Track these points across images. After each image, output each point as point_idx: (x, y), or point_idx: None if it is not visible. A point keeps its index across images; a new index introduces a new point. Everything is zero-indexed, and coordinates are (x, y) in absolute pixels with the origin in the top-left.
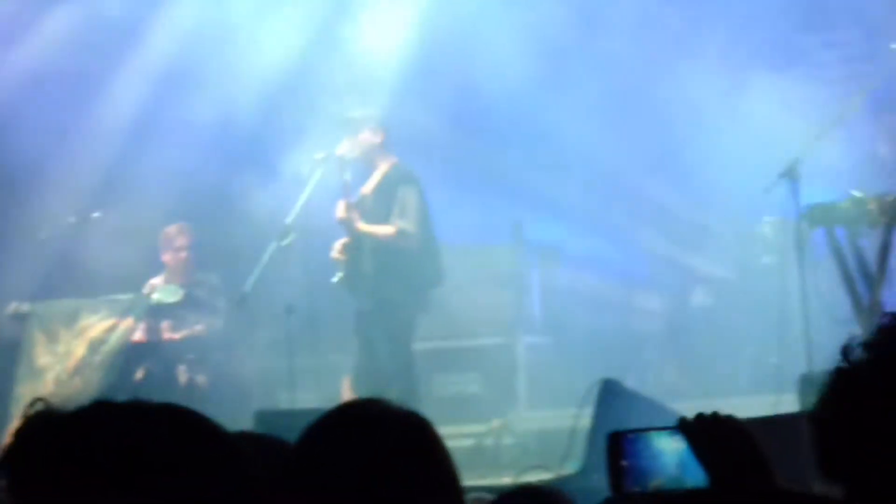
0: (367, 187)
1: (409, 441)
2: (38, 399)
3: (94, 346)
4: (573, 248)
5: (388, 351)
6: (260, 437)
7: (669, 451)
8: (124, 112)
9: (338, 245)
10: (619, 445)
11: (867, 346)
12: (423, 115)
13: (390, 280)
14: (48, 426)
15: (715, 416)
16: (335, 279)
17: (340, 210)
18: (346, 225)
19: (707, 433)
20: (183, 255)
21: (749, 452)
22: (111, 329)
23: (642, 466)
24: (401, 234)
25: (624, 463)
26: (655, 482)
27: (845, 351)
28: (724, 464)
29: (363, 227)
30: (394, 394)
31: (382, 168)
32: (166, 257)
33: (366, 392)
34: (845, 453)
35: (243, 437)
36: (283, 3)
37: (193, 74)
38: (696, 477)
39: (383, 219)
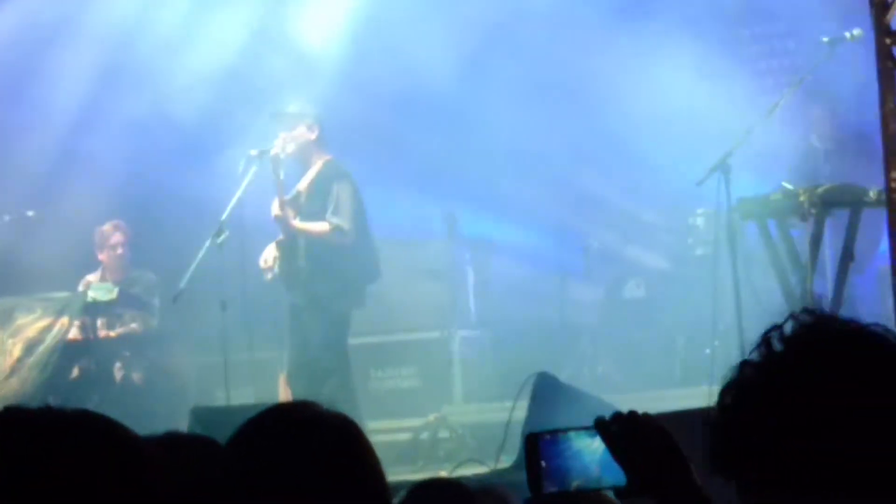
0: (302, 184)
1: (337, 444)
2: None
3: (30, 346)
4: (507, 241)
5: (323, 346)
6: (192, 439)
7: (588, 451)
8: (59, 109)
9: (267, 254)
10: (536, 447)
11: (784, 339)
12: (356, 111)
13: (325, 276)
14: None
15: (632, 415)
16: (270, 277)
17: (275, 208)
18: (281, 222)
19: (624, 432)
20: (118, 252)
21: (666, 450)
22: (47, 328)
23: (561, 467)
24: (335, 230)
25: (543, 464)
26: (575, 482)
27: (761, 345)
28: (641, 462)
29: (298, 224)
30: (329, 389)
31: (317, 165)
32: (102, 255)
33: (302, 387)
34: (752, 449)
35: (172, 438)
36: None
37: (129, 71)
38: (615, 476)
39: (318, 215)
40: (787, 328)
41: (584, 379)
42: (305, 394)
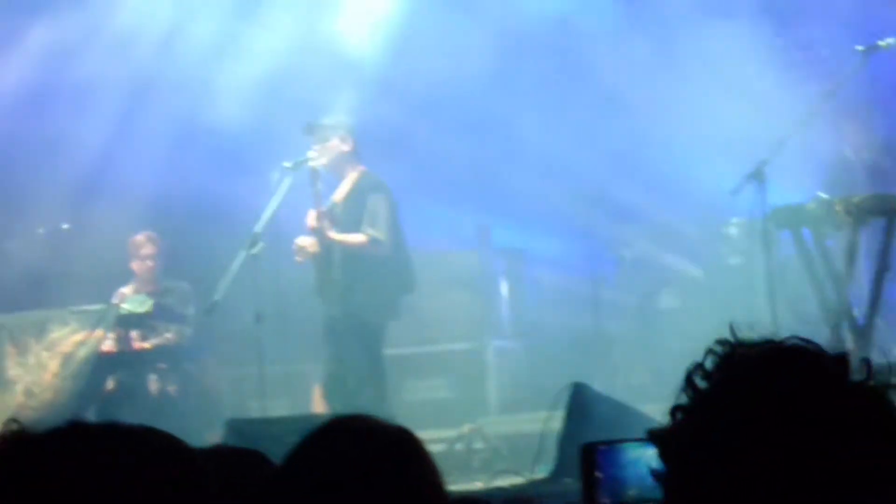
0: (338, 196)
1: (399, 455)
2: (12, 420)
3: (66, 360)
4: (540, 252)
5: (359, 358)
6: (236, 451)
7: (643, 462)
8: (94, 122)
9: (302, 240)
10: (592, 457)
11: (706, 376)
12: (389, 122)
13: (360, 287)
14: (22, 447)
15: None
16: (298, 259)
17: (311, 219)
18: (317, 233)
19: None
20: (149, 263)
21: None
22: (82, 343)
23: (616, 478)
24: (372, 241)
25: (597, 474)
26: (630, 493)
27: (686, 386)
28: None
29: (334, 235)
30: (365, 400)
31: (352, 176)
32: (134, 266)
33: (338, 399)
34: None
35: (219, 451)
36: (251, 12)
37: (163, 83)
38: None
39: (354, 227)
40: (708, 363)
41: (618, 389)
42: (342, 406)
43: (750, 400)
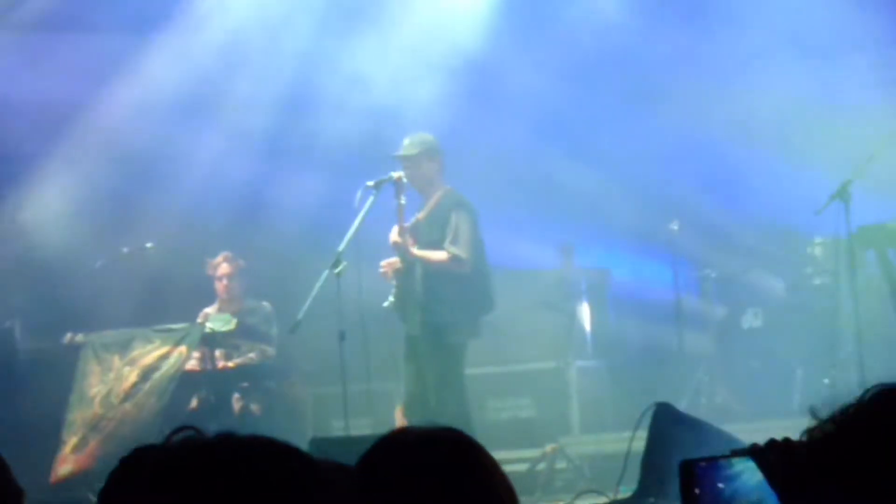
0: (422, 213)
1: (459, 459)
2: (188, 427)
3: (146, 372)
4: (623, 271)
5: (440, 377)
6: (330, 464)
7: (743, 478)
8: (176, 141)
9: (387, 264)
10: (691, 474)
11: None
12: (475, 141)
13: (442, 306)
14: (190, 455)
15: (787, 441)
16: (386, 303)
17: (394, 234)
18: (400, 249)
19: (781, 459)
20: (227, 283)
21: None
22: (164, 357)
23: (715, 495)
24: (454, 259)
25: (696, 491)
26: None
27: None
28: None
29: (416, 251)
30: (446, 420)
31: (436, 195)
32: (217, 286)
33: (418, 418)
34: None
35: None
36: (341, 32)
37: (242, 103)
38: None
39: (436, 244)
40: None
41: (701, 408)
42: (423, 425)
43: None
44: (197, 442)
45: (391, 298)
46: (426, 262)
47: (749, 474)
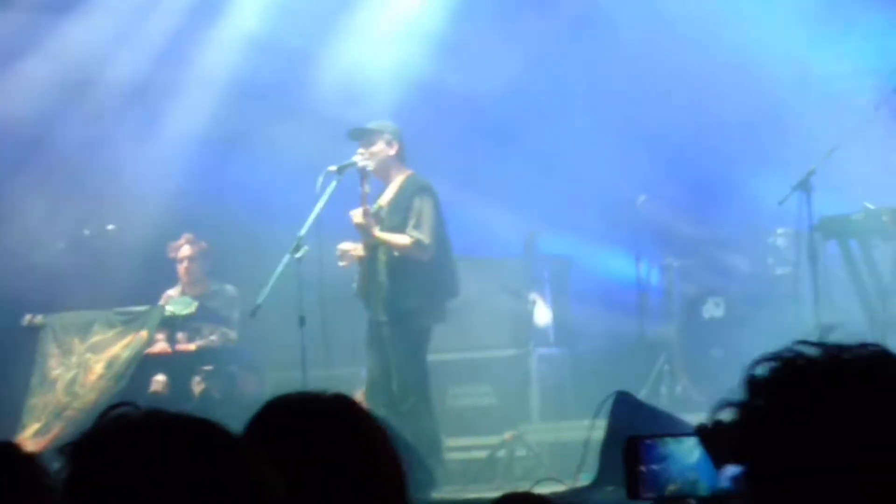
0: (384, 199)
1: (339, 422)
2: (124, 404)
3: (111, 363)
4: (585, 260)
5: (405, 362)
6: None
7: (686, 457)
8: (139, 124)
9: (345, 245)
10: (636, 451)
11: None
12: (434, 127)
13: (406, 291)
14: (122, 431)
15: (729, 423)
16: (354, 284)
17: (358, 216)
18: (363, 230)
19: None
20: (188, 265)
21: None
22: (127, 344)
23: (659, 472)
24: (416, 244)
25: (641, 468)
26: (671, 487)
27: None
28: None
29: (379, 234)
30: (409, 405)
31: (398, 180)
32: (179, 269)
33: (382, 403)
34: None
35: None
36: (294, 14)
37: (207, 86)
38: (711, 482)
39: (399, 229)
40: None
41: (662, 398)
42: (385, 410)
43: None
44: (121, 421)
45: (353, 285)
46: (389, 246)
47: (691, 452)
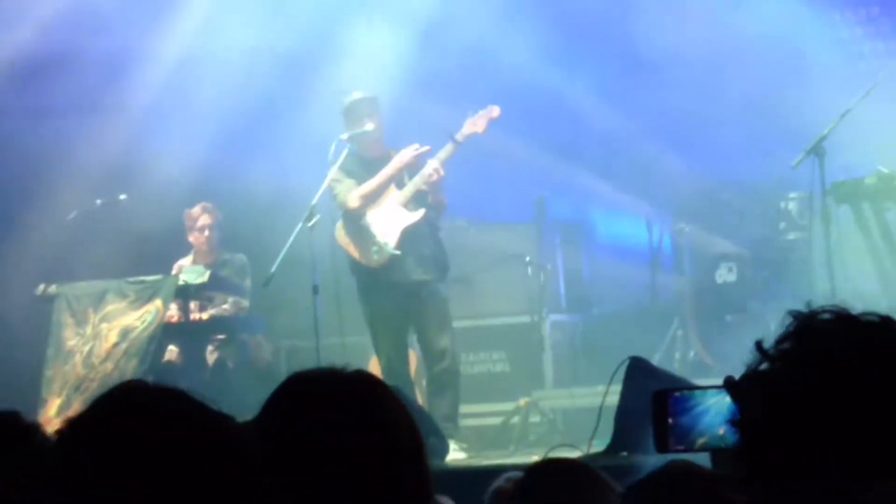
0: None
1: (360, 397)
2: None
3: (125, 331)
4: (598, 226)
5: (440, 328)
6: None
7: (715, 410)
8: (151, 94)
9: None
10: (665, 403)
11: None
12: (448, 91)
13: (443, 254)
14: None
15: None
16: (376, 249)
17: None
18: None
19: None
20: (206, 234)
21: None
22: (141, 315)
23: (687, 424)
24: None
25: (670, 421)
26: (701, 440)
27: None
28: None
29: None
30: (440, 370)
31: (390, 152)
32: (191, 237)
33: (397, 378)
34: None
35: None
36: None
37: (218, 58)
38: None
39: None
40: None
41: (675, 363)
42: (398, 378)
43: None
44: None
45: (386, 243)
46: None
47: (719, 405)
